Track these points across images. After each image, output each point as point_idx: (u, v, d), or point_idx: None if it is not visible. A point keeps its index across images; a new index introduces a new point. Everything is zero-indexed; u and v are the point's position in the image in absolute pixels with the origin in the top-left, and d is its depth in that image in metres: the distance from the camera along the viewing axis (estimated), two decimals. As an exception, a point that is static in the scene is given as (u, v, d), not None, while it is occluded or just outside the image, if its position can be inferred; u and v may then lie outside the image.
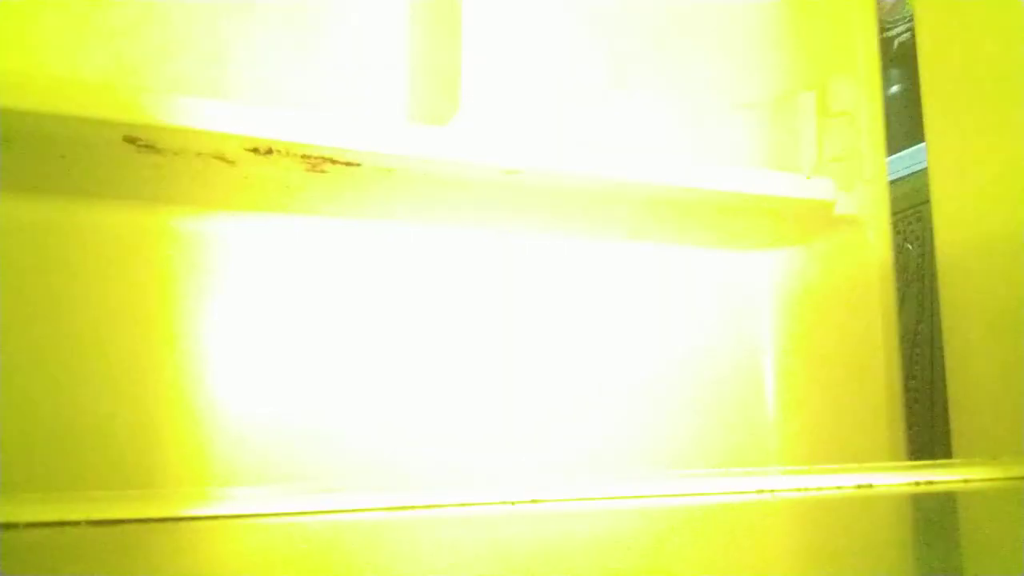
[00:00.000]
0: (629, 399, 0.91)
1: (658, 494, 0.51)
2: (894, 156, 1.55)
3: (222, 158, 0.61)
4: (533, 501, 0.47)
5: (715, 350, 0.95)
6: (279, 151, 0.61)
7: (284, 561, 0.36)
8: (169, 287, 0.70)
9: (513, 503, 0.46)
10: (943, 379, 0.92)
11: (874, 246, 0.89)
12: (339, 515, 0.44)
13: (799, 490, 0.52)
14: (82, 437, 0.68)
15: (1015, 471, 0.57)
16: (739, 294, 0.96)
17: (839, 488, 0.53)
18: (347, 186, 0.68)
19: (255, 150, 0.60)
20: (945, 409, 0.92)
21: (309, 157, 0.62)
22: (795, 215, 0.85)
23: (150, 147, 0.59)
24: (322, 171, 0.64)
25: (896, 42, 1.68)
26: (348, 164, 0.63)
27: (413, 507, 0.45)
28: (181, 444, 0.74)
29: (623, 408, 0.90)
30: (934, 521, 0.50)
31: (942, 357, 0.93)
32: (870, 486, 0.53)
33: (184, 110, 0.56)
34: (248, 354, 0.76)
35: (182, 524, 0.41)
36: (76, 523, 0.39)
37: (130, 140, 0.57)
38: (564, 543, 0.42)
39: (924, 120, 0.97)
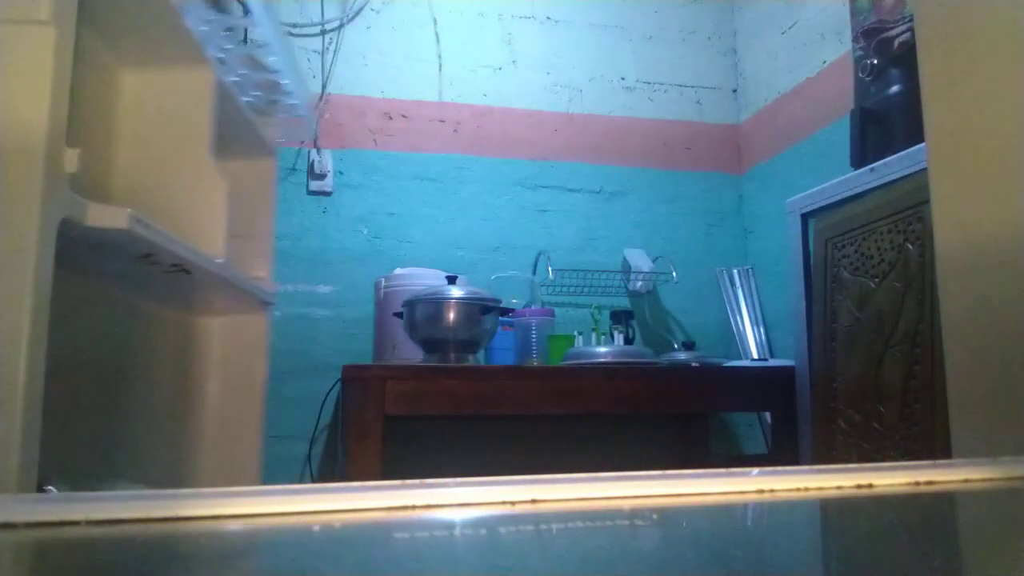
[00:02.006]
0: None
1: (658, 494, 0.51)
2: (894, 156, 1.55)
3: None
4: (533, 501, 0.47)
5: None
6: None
7: (285, 561, 0.36)
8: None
9: (513, 503, 0.46)
10: (943, 379, 0.92)
11: (263, 320, 1.58)
12: (339, 515, 0.44)
13: (799, 490, 0.52)
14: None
15: (1015, 471, 0.57)
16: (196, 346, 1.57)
17: (839, 488, 0.53)
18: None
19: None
20: (945, 409, 0.92)
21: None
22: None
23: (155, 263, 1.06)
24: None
25: (896, 42, 1.68)
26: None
27: (414, 507, 0.45)
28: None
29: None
30: (934, 521, 0.50)
31: (942, 357, 0.93)
32: (870, 486, 0.53)
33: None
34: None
35: (182, 524, 0.41)
36: (76, 523, 0.39)
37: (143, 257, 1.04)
38: (564, 543, 0.41)
39: (924, 120, 0.97)
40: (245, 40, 1.51)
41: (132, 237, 0.94)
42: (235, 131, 1.57)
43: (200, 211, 1.26)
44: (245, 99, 1.56)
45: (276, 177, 1.71)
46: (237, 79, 1.54)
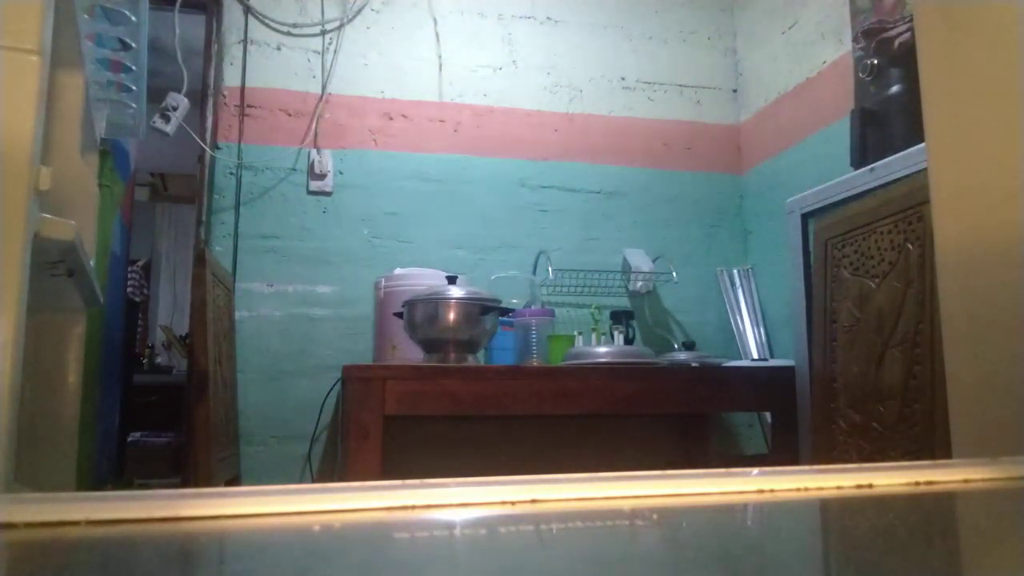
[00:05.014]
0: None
1: (658, 494, 0.51)
2: (894, 156, 1.55)
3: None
4: (533, 501, 0.47)
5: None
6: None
7: (285, 561, 0.36)
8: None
9: (513, 503, 0.46)
10: (943, 379, 0.92)
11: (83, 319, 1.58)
12: (339, 515, 0.44)
13: (799, 490, 0.52)
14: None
15: (1015, 471, 0.57)
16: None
17: (839, 488, 0.53)
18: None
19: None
20: (945, 409, 0.92)
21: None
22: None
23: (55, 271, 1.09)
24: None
25: (896, 42, 1.68)
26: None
27: (413, 507, 0.45)
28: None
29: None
30: (934, 521, 0.50)
31: (942, 357, 0.93)
32: (870, 486, 0.53)
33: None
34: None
35: (182, 524, 0.41)
36: (76, 523, 0.39)
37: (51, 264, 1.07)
38: (564, 543, 0.41)
39: (924, 120, 0.97)
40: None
41: (71, 248, 0.98)
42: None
43: (74, 212, 1.29)
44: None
45: (97, 173, 1.71)
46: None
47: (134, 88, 1.67)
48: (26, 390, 1.43)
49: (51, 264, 1.07)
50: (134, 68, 1.59)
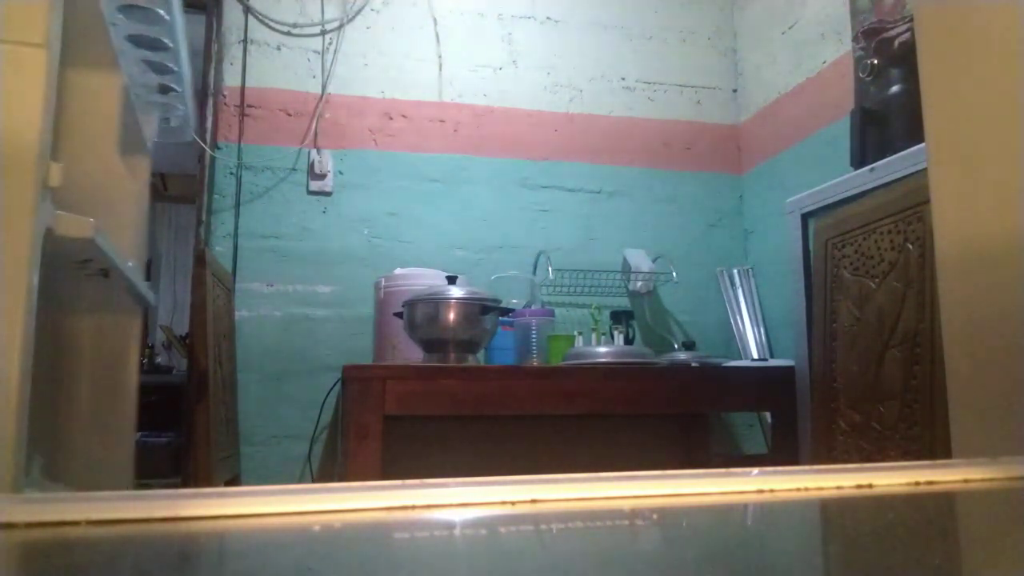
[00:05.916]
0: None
1: (658, 494, 0.51)
2: (894, 156, 1.55)
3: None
4: (533, 501, 0.47)
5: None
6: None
7: (285, 561, 0.36)
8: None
9: (513, 503, 0.46)
10: (943, 379, 0.92)
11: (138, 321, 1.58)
12: (339, 515, 0.44)
13: (799, 490, 0.52)
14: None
15: (1015, 471, 0.57)
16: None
17: (839, 488, 0.53)
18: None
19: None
20: (945, 409, 0.92)
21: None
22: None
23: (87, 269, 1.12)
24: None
25: (896, 42, 1.68)
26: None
27: (413, 507, 0.45)
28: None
29: None
30: (934, 521, 0.50)
31: (942, 357, 0.93)
32: (870, 486, 0.53)
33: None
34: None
35: (182, 524, 0.41)
36: (76, 523, 0.39)
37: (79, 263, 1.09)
38: (564, 543, 0.41)
39: (924, 120, 0.97)
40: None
41: (92, 245, 0.98)
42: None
43: (113, 213, 1.30)
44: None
45: (148, 176, 1.67)
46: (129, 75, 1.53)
47: (178, 89, 1.63)
48: (84, 389, 1.47)
49: (79, 263, 1.06)
50: (175, 69, 1.55)
